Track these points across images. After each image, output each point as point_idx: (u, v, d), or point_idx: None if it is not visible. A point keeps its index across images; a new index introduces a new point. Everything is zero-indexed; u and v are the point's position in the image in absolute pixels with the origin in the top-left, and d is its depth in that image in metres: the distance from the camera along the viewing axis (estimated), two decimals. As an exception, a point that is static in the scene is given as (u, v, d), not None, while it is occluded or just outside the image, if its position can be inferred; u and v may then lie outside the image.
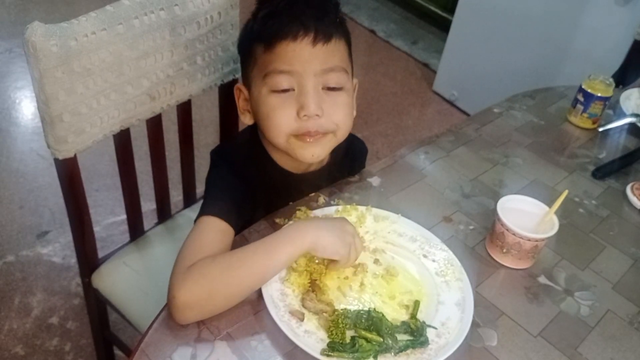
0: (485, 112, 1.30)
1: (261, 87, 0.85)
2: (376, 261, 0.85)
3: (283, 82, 0.83)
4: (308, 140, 0.85)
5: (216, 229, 0.82)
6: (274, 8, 0.84)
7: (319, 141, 0.86)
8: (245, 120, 0.93)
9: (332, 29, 0.84)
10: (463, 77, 2.69)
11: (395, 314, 0.78)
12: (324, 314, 0.75)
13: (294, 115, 0.84)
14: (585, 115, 1.26)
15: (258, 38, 0.85)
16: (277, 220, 0.90)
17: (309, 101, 0.82)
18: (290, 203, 0.95)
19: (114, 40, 0.92)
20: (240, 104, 0.93)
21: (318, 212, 0.90)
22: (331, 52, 0.84)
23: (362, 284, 0.81)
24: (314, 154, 0.87)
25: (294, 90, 0.84)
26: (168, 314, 0.73)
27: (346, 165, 1.03)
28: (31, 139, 2.16)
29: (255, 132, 0.95)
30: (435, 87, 2.84)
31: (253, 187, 0.90)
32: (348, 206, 0.92)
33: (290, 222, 0.87)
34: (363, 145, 1.12)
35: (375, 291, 0.81)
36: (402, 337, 0.74)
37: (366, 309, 0.76)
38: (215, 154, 0.95)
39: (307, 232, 0.77)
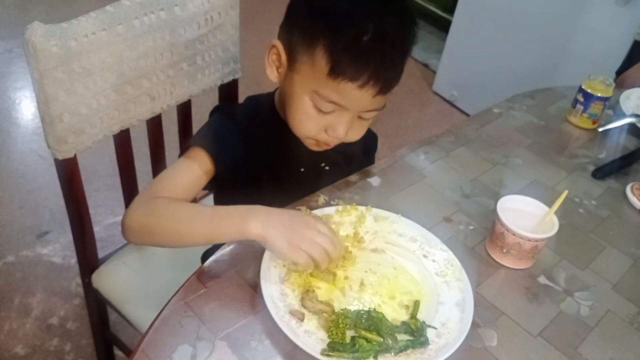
0: (485, 112, 1.30)
1: (304, 90, 0.83)
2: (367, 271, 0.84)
3: (328, 108, 0.83)
4: (323, 146, 0.90)
5: (193, 167, 0.87)
6: (362, 36, 0.77)
7: (331, 147, 0.91)
8: (272, 76, 0.89)
9: (396, 81, 0.83)
10: (463, 77, 2.69)
11: (395, 314, 0.78)
12: (324, 314, 0.75)
13: (322, 128, 0.86)
14: (585, 115, 1.26)
15: (328, 51, 0.79)
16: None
17: (342, 130, 0.85)
18: (302, 170, 0.97)
19: (114, 41, 0.92)
20: (272, 57, 0.87)
21: (318, 212, 0.90)
22: (383, 98, 0.84)
23: (362, 284, 0.81)
24: (323, 160, 0.94)
25: (333, 112, 0.84)
26: (168, 314, 0.74)
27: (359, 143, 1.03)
28: (31, 140, 2.16)
29: (270, 98, 0.96)
30: (435, 88, 2.84)
31: (256, 145, 0.92)
32: (348, 206, 0.92)
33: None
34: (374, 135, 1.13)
35: (375, 291, 0.81)
36: (402, 337, 0.74)
37: (366, 309, 0.76)
38: (216, 107, 0.98)
39: (255, 225, 0.74)
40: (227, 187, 0.93)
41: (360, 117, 0.87)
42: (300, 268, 0.78)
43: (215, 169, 0.88)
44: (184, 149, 0.91)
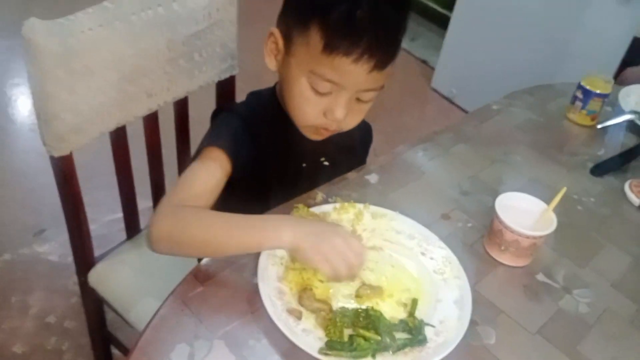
0: (484, 109, 1.30)
1: (301, 71, 0.84)
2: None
3: (325, 87, 0.83)
4: (323, 132, 0.90)
5: (213, 168, 0.86)
6: (356, 9, 0.78)
7: (330, 133, 0.92)
8: (271, 65, 0.89)
9: (392, 57, 0.83)
10: (462, 74, 2.69)
11: (393, 312, 0.78)
12: (322, 312, 0.75)
13: (321, 111, 0.86)
14: (584, 112, 1.26)
15: (322, 28, 0.79)
16: (275, 218, 0.89)
17: (340, 111, 0.85)
18: (304, 165, 0.98)
19: (112, 37, 0.92)
20: (270, 46, 0.88)
21: (315, 210, 0.89)
22: (379, 76, 0.83)
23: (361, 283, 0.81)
24: (322, 139, 0.93)
25: (330, 93, 0.84)
26: (165, 313, 0.73)
27: (357, 134, 1.03)
28: (30, 138, 2.15)
29: (272, 92, 0.96)
30: (434, 84, 2.84)
31: (262, 143, 0.92)
32: (346, 203, 0.91)
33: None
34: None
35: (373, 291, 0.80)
36: (400, 336, 0.73)
37: (364, 307, 0.76)
38: (224, 108, 0.99)
39: (287, 236, 0.76)
40: (235, 185, 0.92)
41: (358, 100, 0.86)
42: (323, 278, 0.78)
43: (232, 168, 0.88)
44: (197, 151, 0.89)
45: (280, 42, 0.86)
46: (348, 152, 1.04)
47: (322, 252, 0.74)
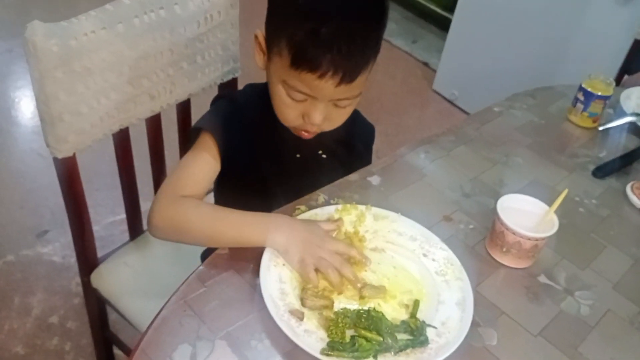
0: (485, 111, 1.30)
1: (277, 79, 0.86)
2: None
3: (299, 97, 0.85)
4: (304, 133, 0.92)
5: (209, 158, 0.91)
6: (320, 27, 0.78)
7: (312, 134, 0.93)
8: (259, 62, 0.91)
9: (362, 67, 0.83)
10: (463, 76, 2.69)
11: (395, 313, 0.78)
12: (326, 308, 0.75)
13: (299, 115, 0.88)
14: (585, 114, 1.26)
15: (288, 43, 0.81)
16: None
17: (316, 117, 0.86)
18: (298, 155, 0.99)
19: (114, 40, 0.92)
20: (257, 46, 0.90)
21: (318, 211, 0.90)
22: (351, 87, 0.84)
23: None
24: (309, 138, 0.94)
25: (306, 100, 0.85)
26: (168, 314, 0.73)
27: (354, 130, 1.04)
28: (32, 139, 2.16)
29: (264, 86, 0.96)
30: (435, 87, 2.84)
31: (254, 133, 0.95)
32: (348, 205, 0.92)
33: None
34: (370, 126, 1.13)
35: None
36: (402, 337, 0.74)
37: (366, 308, 0.76)
38: (218, 96, 1.01)
39: (278, 238, 0.80)
40: (231, 174, 0.94)
41: (336, 105, 0.87)
42: (310, 283, 0.79)
43: (219, 151, 0.91)
44: (191, 133, 0.94)
45: (263, 46, 0.89)
46: (346, 146, 1.04)
47: (305, 261, 0.79)
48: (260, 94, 0.96)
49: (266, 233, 0.81)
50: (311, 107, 0.86)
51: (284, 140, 0.97)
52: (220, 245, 0.84)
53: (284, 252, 0.81)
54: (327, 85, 0.81)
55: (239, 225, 0.83)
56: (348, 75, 0.81)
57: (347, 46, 0.79)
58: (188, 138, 0.96)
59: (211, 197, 1.11)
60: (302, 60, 0.80)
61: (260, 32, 0.89)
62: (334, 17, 0.79)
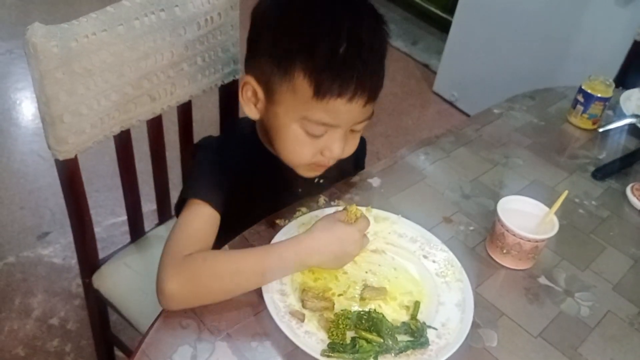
0: (485, 112, 1.30)
1: (291, 119, 0.80)
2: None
3: (320, 130, 0.80)
4: (318, 169, 0.88)
5: (205, 215, 0.82)
6: (337, 47, 0.74)
7: (325, 168, 0.89)
8: (251, 114, 0.85)
9: (382, 84, 0.80)
10: (463, 77, 2.69)
11: (395, 314, 0.78)
12: (326, 310, 0.75)
13: (318, 151, 0.83)
14: (585, 116, 1.26)
15: (307, 73, 0.75)
16: (277, 221, 0.90)
17: (337, 147, 0.82)
18: (299, 190, 0.96)
19: (115, 41, 0.92)
20: (246, 94, 0.84)
21: (318, 213, 0.90)
22: (372, 105, 0.81)
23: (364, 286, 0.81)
24: (318, 176, 0.91)
25: (326, 132, 0.81)
26: (167, 314, 0.74)
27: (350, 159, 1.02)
28: (32, 140, 2.16)
29: (252, 129, 0.93)
30: (435, 88, 2.84)
31: (246, 182, 0.89)
32: (348, 206, 0.92)
33: (290, 223, 0.87)
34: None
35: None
36: (403, 338, 0.74)
37: (366, 309, 0.76)
38: (201, 144, 0.93)
39: (313, 262, 0.79)
40: (229, 219, 0.88)
41: (352, 131, 0.84)
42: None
43: (220, 213, 0.84)
44: (180, 200, 0.86)
45: (260, 92, 0.82)
46: (338, 166, 1.01)
47: (342, 263, 0.81)
48: (247, 142, 0.92)
49: (299, 266, 0.79)
50: (329, 139, 0.81)
51: (285, 180, 0.93)
52: (245, 291, 0.77)
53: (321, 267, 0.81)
54: (356, 107, 0.77)
55: (264, 271, 0.76)
56: (374, 91, 0.78)
57: (370, 62, 0.77)
58: (180, 202, 0.87)
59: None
60: (329, 87, 0.75)
61: (251, 78, 0.82)
62: (347, 34, 0.74)
